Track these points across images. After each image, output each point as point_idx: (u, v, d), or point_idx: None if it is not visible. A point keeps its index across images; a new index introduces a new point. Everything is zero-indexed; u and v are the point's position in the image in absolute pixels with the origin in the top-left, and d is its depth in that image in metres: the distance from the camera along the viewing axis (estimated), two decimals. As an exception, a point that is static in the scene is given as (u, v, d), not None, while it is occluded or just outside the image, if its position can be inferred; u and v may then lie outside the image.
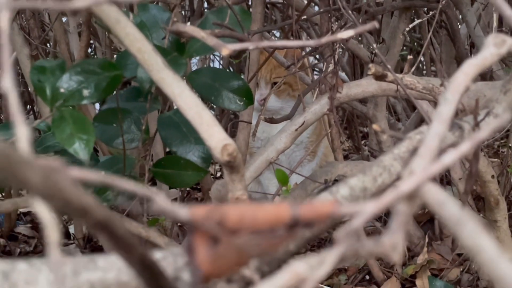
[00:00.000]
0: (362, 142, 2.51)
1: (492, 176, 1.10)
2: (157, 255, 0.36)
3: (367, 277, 1.70)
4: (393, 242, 0.25)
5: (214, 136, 0.59)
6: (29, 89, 2.26)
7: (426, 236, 1.73)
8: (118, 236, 0.24)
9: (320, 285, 1.68)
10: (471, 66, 0.38)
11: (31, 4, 0.23)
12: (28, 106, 2.51)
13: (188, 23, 1.61)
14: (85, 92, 0.69)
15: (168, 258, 0.36)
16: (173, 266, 0.34)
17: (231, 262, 0.23)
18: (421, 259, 1.67)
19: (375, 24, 0.50)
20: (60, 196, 0.19)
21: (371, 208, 0.23)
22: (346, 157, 2.44)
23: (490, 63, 0.40)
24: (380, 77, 0.78)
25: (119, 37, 0.59)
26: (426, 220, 1.85)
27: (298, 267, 0.23)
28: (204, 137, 0.60)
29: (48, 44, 2.15)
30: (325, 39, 0.51)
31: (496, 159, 2.07)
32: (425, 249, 1.71)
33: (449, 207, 0.22)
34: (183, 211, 0.23)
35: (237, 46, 0.50)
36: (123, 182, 0.21)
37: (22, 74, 1.82)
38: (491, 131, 0.27)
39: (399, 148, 0.53)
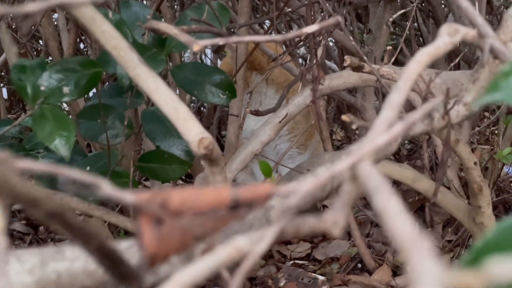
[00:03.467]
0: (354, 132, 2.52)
1: (475, 163, 1.12)
2: (123, 244, 0.38)
3: (359, 265, 1.72)
4: (335, 219, 0.27)
5: (191, 129, 0.61)
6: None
7: (417, 223, 1.75)
8: (72, 226, 0.26)
9: (313, 274, 1.70)
10: (424, 55, 0.40)
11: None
12: (21, 104, 2.53)
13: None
14: (65, 90, 0.70)
15: (134, 247, 0.37)
16: (138, 255, 0.36)
17: (176, 243, 0.25)
18: (412, 246, 1.69)
19: (338, 19, 0.51)
20: (8, 188, 0.20)
21: (305, 186, 0.25)
22: (339, 148, 2.45)
23: (444, 51, 0.41)
24: (356, 68, 0.80)
25: (95, 35, 0.61)
26: (417, 208, 1.87)
27: (240, 242, 0.24)
28: (181, 131, 0.61)
29: (40, 41, 2.16)
30: (291, 35, 0.53)
31: (487, 146, 2.09)
32: (416, 236, 1.73)
33: (373, 179, 0.23)
34: (129, 196, 0.24)
35: (207, 42, 0.51)
36: (68, 170, 0.23)
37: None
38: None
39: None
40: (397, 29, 2.27)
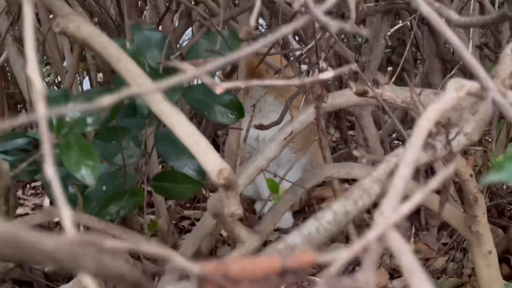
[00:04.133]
0: (350, 133, 2.57)
1: (471, 175, 1.17)
2: None
3: (357, 268, 1.77)
4: (367, 279, 0.32)
5: (211, 161, 0.65)
6: (20, 90, 2.30)
7: (413, 226, 1.80)
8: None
9: (312, 277, 1.75)
10: (434, 112, 0.44)
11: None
12: (18, 106, 2.55)
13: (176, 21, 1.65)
14: (89, 120, 0.74)
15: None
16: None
17: (236, 306, 0.29)
18: (408, 249, 1.75)
19: (354, 66, 0.56)
20: (105, 270, 0.24)
21: (343, 256, 0.29)
22: (334, 149, 2.50)
23: (451, 105, 0.46)
24: (361, 94, 0.84)
25: (120, 73, 0.65)
26: (413, 212, 1.92)
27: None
28: (201, 162, 0.65)
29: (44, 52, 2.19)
30: (308, 79, 0.57)
31: (479, 147, 2.14)
32: (412, 239, 1.79)
33: (405, 256, 0.28)
34: (196, 268, 0.29)
35: (229, 85, 0.56)
36: (147, 246, 0.27)
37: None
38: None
39: (377, 171, 0.60)
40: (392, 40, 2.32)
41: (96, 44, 0.65)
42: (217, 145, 2.16)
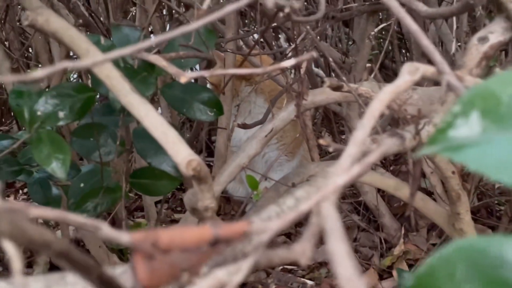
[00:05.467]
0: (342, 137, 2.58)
1: (453, 172, 1.17)
2: (118, 270, 0.42)
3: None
4: (303, 249, 0.32)
5: (180, 152, 0.65)
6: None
7: (403, 227, 1.80)
8: (77, 261, 0.30)
9: (302, 279, 1.75)
10: (387, 94, 0.44)
11: None
12: (12, 113, 2.56)
13: (167, 27, 1.66)
14: (61, 114, 0.74)
15: (128, 272, 0.42)
16: (132, 280, 0.41)
17: (166, 275, 0.29)
18: (397, 250, 1.75)
19: (313, 54, 0.56)
20: (25, 236, 0.24)
21: (275, 225, 0.30)
22: (327, 154, 2.50)
23: (405, 89, 0.46)
24: (336, 88, 0.84)
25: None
26: (403, 213, 1.92)
27: (219, 274, 0.29)
28: (171, 154, 0.66)
29: (30, 52, 2.19)
30: (269, 68, 0.57)
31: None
32: (402, 240, 1.78)
33: (330, 221, 0.28)
34: (125, 236, 0.29)
35: (193, 74, 0.56)
36: (74, 219, 0.27)
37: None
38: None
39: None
40: (383, 32, 2.33)
41: (65, 37, 0.65)
42: (211, 149, 2.16)
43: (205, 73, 0.58)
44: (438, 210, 1.30)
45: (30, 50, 2.00)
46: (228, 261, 0.30)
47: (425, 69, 0.47)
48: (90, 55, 0.63)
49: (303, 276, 1.80)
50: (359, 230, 1.98)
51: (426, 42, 0.49)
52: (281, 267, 1.80)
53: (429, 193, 1.67)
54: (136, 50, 0.33)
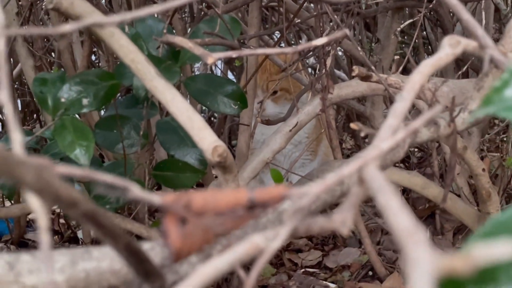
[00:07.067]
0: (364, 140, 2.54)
1: (483, 169, 1.13)
2: (145, 246, 0.40)
3: (370, 273, 1.73)
4: (343, 218, 0.29)
5: (205, 138, 0.63)
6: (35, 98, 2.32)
7: (428, 231, 1.76)
8: (104, 226, 0.28)
9: (324, 282, 1.71)
10: (427, 66, 0.42)
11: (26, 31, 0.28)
12: (35, 115, 2.57)
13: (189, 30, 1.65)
14: (85, 101, 0.73)
15: (156, 249, 0.40)
16: (160, 256, 0.39)
17: (199, 240, 0.27)
18: (422, 253, 1.71)
19: (346, 31, 0.54)
20: (51, 191, 0.23)
21: (315, 189, 0.27)
22: (348, 157, 2.47)
23: (445, 62, 0.44)
24: (365, 78, 0.82)
25: (113, 49, 0.64)
26: (427, 215, 1.88)
27: (257, 239, 0.27)
28: (196, 140, 0.64)
29: (52, 54, 2.21)
30: (301, 46, 0.55)
31: (497, 153, 2.10)
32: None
33: (376, 181, 0.26)
34: (156, 198, 0.27)
35: (221, 54, 0.54)
36: (102, 175, 0.25)
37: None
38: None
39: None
40: (406, 37, 2.30)
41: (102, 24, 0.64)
42: (232, 153, 2.14)
43: (232, 54, 0.56)
44: (467, 210, 1.26)
45: (52, 46, 2.01)
46: (266, 227, 0.28)
47: (466, 43, 0.45)
48: (115, 38, 0.62)
49: (325, 279, 1.77)
50: (383, 233, 1.94)
51: (467, 16, 0.47)
52: (303, 270, 1.77)
53: (456, 196, 1.63)
54: (165, 9, 0.31)
